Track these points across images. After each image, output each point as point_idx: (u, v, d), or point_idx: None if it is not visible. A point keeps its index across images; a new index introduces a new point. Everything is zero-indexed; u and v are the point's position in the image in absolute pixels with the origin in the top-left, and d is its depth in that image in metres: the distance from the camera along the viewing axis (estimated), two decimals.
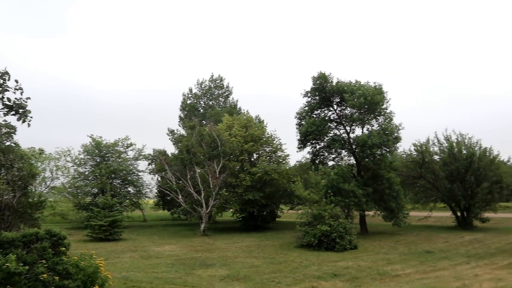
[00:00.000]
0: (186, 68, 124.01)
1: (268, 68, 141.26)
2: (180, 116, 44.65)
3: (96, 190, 31.36)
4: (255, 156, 30.69)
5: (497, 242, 21.23)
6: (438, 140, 30.46)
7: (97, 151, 32.49)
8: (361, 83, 26.23)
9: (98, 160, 32.53)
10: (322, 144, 27.62)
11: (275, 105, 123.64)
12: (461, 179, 28.05)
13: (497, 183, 28.10)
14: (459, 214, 29.72)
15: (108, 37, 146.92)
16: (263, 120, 35.68)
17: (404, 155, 31.85)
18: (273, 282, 12.14)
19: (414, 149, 30.84)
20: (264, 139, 30.50)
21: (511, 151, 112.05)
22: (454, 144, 29.35)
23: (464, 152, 28.83)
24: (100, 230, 23.04)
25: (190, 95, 45.49)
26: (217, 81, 46.58)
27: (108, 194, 26.37)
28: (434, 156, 30.83)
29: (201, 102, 45.59)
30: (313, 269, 14.16)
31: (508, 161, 32.38)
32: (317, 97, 27.13)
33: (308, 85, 27.25)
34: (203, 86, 45.91)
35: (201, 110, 44.15)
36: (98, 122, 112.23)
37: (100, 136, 33.37)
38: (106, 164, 31.76)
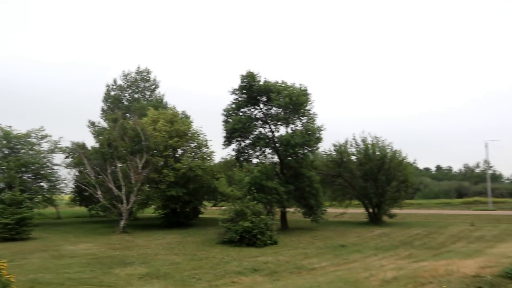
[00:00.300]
0: (114, 60, 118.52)
1: (199, 65, 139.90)
2: (102, 108, 42.53)
3: (3, 185, 28.77)
4: (179, 151, 30.26)
5: (401, 236, 23.30)
6: (356, 142, 32.46)
7: (5, 142, 29.86)
8: (288, 84, 27.03)
9: (6, 152, 29.92)
10: (247, 141, 27.95)
11: (202, 101, 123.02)
12: (374, 178, 30.20)
13: (404, 182, 30.92)
14: (371, 210, 31.99)
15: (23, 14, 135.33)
16: (189, 116, 35.18)
17: (325, 155, 33.48)
18: (194, 278, 12.15)
19: (334, 150, 32.63)
20: (190, 135, 30.18)
21: (416, 154, 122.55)
22: (370, 145, 31.52)
23: (378, 153, 31.11)
24: (5, 228, 21.16)
25: (114, 87, 43.47)
26: (143, 74, 44.99)
27: (16, 189, 24.29)
28: (352, 156, 32.81)
29: (126, 95, 43.71)
30: (234, 265, 14.38)
31: (414, 162, 35.56)
32: (244, 95, 27.47)
33: (237, 83, 27.49)
34: (128, 78, 44.08)
35: (126, 103, 42.35)
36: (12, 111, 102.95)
37: (10, 126, 30.74)
38: (15, 156, 29.31)
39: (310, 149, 26.88)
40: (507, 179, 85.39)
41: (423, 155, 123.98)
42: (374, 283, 8.80)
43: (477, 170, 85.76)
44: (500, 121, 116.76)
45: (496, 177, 79.50)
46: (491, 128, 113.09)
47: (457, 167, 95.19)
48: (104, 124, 36.53)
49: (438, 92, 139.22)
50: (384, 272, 12.01)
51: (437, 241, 21.00)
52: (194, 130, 30.82)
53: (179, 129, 28.94)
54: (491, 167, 75.14)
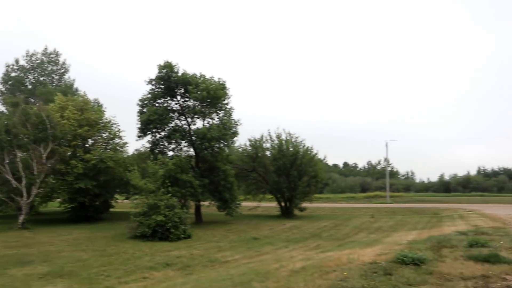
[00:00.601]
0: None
1: (116, 52, 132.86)
2: (0, 91, 38.51)
3: None
4: (90, 142, 28.54)
5: (310, 228, 24.62)
6: (271, 138, 33.42)
7: None
8: (206, 77, 26.93)
9: None
10: (162, 133, 27.32)
11: (117, 90, 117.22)
12: (286, 173, 31.39)
13: (314, 177, 32.66)
14: (283, 204, 33.23)
15: None
16: (102, 104, 33.27)
17: (240, 150, 33.97)
18: (102, 275, 11.56)
19: (249, 145, 33.28)
20: (102, 124, 28.59)
21: (326, 151, 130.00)
22: (284, 142, 32.67)
23: (291, 149, 32.39)
24: None
25: (16, 67, 39.59)
26: (51, 56, 41.56)
27: None
28: (266, 151, 33.76)
29: (30, 77, 40.11)
30: (145, 260, 14.00)
31: (324, 159, 37.66)
32: (161, 86, 26.81)
33: (155, 73, 26.71)
34: (33, 59, 40.45)
35: (29, 86, 38.82)
36: None
37: None
38: None
39: (226, 143, 27.12)
40: (403, 176, 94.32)
41: (332, 152, 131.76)
42: (284, 273, 9.18)
43: (379, 167, 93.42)
44: (399, 123, 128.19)
45: (393, 174, 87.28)
46: (391, 129, 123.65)
47: (361, 164, 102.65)
48: (2, 108, 33.14)
49: (349, 94, 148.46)
50: (294, 263, 12.52)
51: (342, 232, 22.57)
52: (106, 119, 29.24)
53: (90, 117, 27.25)
54: (390, 164, 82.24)
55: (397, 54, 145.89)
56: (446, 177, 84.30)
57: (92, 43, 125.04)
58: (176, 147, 28.13)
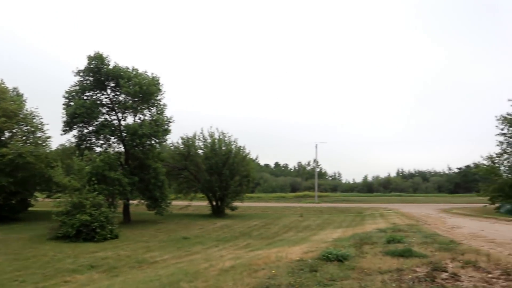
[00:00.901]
0: None
1: (40, 39, 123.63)
2: None
3: None
4: (7, 134, 26.28)
5: (241, 227, 24.88)
6: (204, 136, 33.24)
7: None
8: (139, 72, 26.10)
9: None
10: (90, 128, 26.01)
11: (40, 80, 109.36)
12: (218, 172, 31.40)
13: (246, 177, 33.02)
14: (214, 203, 33.19)
15: None
16: (22, 94, 30.73)
17: (172, 147, 33.37)
18: (16, 281, 10.65)
19: (182, 142, 32.86)
20: (22, 116, 26.45)
21: (258, 151, 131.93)
22: (216, 141, 32.63)
23: (224, 148, 32.45)
24: None
25: None
26: None
27: None
28: (199, 150, 33.49)
29: None
30: (67, 262, 13.23)
31: (256, 159, 38.26)
32: (90, 78, 25.51)
33: (83, 64, 25.31)
34: None
35: None
36: None
37: None
38: None
39: (157, 141, 26.56)
40: (330, 176, 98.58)
41: (264, 152, 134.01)
42: (213, 272, 9.17)
43: (308, 168, 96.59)
44: (329, 126, 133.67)
45: (322, 174, 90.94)
46: (321, 131, 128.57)
47: (292, 164, 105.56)
48: None
49: (282, 95, 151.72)
50: (223, 262, 12.55)
51: (272, 231, 23.07)
52: (27, 111, 27.10)
53: (7, 108, 25.05)
54: (319, 165, 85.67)
55: (330, 58, 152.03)
56: (370, 178, 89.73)
57: (14, 27, 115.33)
58: (104, 143, 26.94)
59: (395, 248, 9.28)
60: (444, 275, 6.46)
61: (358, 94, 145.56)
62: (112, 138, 26.68)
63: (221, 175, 31.33)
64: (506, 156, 33.10)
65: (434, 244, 10.29)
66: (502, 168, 33.66)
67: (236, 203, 34.03)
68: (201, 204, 35.59)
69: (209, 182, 31.44)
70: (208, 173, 31.84)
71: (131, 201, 26.91)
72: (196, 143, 33.17)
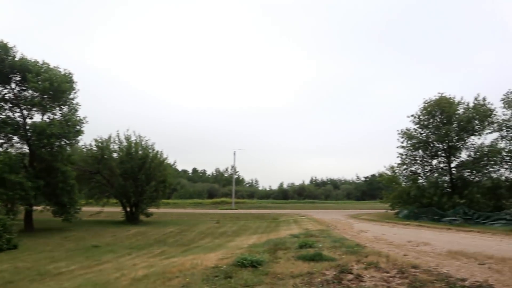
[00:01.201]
0: None
1: None
2: None
3: None
4: None
5: (156, 234, 24.13)
6: (119, 139, 31.74)
7: None
8: (50, 67, 24.23)
9: None
10: None
11: None
12: (134, 177, 30.19)
13: (162, 182, 32.14)
14: (128, 209, 31.79)
15: None
16: None
17: (85, 150, 31.39)
18: None
19: (95, 145, 31.03)
20: None
21: (176, 156, 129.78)
22: (133, 144, 31.38)
23: (140, 152, 31.30)
24: None
25: None
26: None
27: None
28: (113, 153, 31.90)
29: None
30: None
31: (174, 164, 37.54)
32: None
33: None
34: None
35: None
36: None
37: None
38: None
39: (68, 142, 24.79)
40: (248, 183, 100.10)
41: (183, 157, 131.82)
42: (125, 282, 8.76)
43: (226, 174, 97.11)
44: (246, 133, 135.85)
45: (239, 181, 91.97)
46: (239, 138, 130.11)
47: (210, 170, 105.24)
48: None
49: (203, 101, 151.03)
50: (136, 270, 12.06)
51: (188, 238, 22.68)
52: None
53: None
54: (237, 172, 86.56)
55: (248, 65, 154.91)
56: (285, 186, 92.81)
57: None
58: (5, 142, 24.40)
59: (306, 252, 9.71)
60: (350, 276, 7.01)
61: (276, 103, 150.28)
62: (15, 137, 24.31)
63: (136, 180, 30.15)
64: (405, 166, 36.62)
65: (342, 248, 11.00)
66: (401, 177, 37.10)
67: (151, 209, 32.99)
68: (114, 210, 33.88)
69: (124, 187, 30.07)
70: (122, 177, 30.43)
71: (34, 207, 24.62)
72: (111, 146, 31.58)
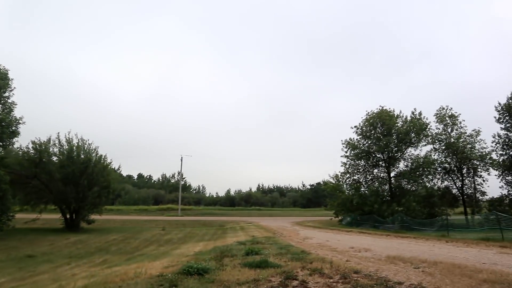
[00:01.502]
0: None
1: None
2: None
3: None
4: None
5: (98, 242, 23.09)
6: (60, 142, 30.12)
7: None
8: None
9: None
10: None
11: None
12: (75, 182, 28.72)
13: (106, 188, 30.84)
14: (68, 216, 30.17)
15: None
16: None
17: (21, 152, 29.44)
18: None
19: (32, 147, 29.15)
20: None
21: (121, 161, 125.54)
22: (75, 148, 29.90)
23: (82, 156, 29.90)
24: None
25: None
26: None
27: None
28: (53, 157, 30.20)
29: None
30: None
31: (118, 169, 36.27)
32: None
33: None
34: None
35: None
36: None
37: None
38: None
39: (1, 144, 23.19)
40: (194, 190, 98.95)
41: (128, 162, 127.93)
42: None
43: (173, 180, 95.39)
44: (194, 138, 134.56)
45: (186, 187, 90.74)
46: (187, 143, 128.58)
47: (156, 176, 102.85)
48: None
49: (152, 105, 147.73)
50: (75, 281, 11.49)
51: (132, 246, 21.94)
52: None
53: None
54: (184, 178, 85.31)
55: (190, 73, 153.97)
56: (232, 193, 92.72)
57: None
58: None
59: (253, 259, 9.73)
60: (295, 282, 7.10)
61: (225, 111, 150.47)
62: None
63: (78, 185, 28.71)
64: (348, 175, 38.06)
65: (288, 255, 11.15)
66: (345, 186, 38.49)
67: (93, 216, 31.54)
68: (53, 217, 31.98)
69: (64, 193, 28.47)
70: (62, 182, 28.81)
71: None
72: (51, 149, 29.84)
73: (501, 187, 31.84)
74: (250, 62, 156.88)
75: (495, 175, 32.45)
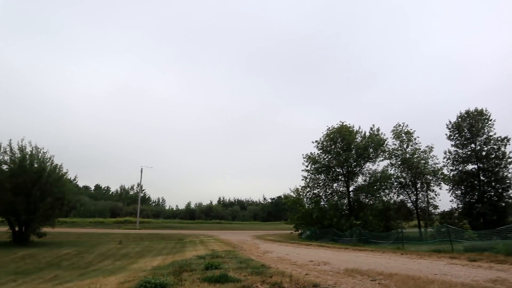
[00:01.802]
0: None
1: None
2: None
3: None
4: None
5: (49, 256, 21.96)
6: (11, 149, 28.64)
7: None
8: None
9: None
10: None
11: None
12: (27, 193, 27.31)
13: (59, 199, 29.47)
14: (17, 229, 28.57)
15: None
16: None
17: None
18: None
19: None
20: None
21: (78, 171, 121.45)
22: (28, 156, 28.53)
23: (36, 165, 28.56)
24: None
25: None
26: None
27: None
28: (3, 165, 28.65)
29: None
30: None
31: (74, 179, 34.89)
32: None
33: None
34: None
35: None
36: None
37: None
38: None
39: None
40: (154, 202, 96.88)
41: (85, 173, 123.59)
42: None
43: (131, 192, 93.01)
44: (154, 150, 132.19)
45: (145, 200, 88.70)
46: (146, 155, 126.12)
47: (114, 187, 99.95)
48: None
49: (108, 114, 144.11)
50: None
51: (86, 260, 21.04)
52: None
53: None
54: (143, 190, 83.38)
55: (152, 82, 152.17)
56: (193, 206, 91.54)
57: None
58: None
59: (212, 274, 9.63)
60: None
61: (186, 125, 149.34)
62: None
63: (29, 196, 27.27)
64: (308, 189, 38.61)
65: (248, 269, 11.12)
66: (305, 200, 38.98)
67: (45, 229, 30.00)
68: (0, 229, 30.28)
69: (13, 204, 26.90)
70: (12, 193, 27.29)
71: None
72: (1, 157, 28.27)
73: (451, 201, 33.65)
74: (210, 78, 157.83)
75: (446, 189, 34.26)
